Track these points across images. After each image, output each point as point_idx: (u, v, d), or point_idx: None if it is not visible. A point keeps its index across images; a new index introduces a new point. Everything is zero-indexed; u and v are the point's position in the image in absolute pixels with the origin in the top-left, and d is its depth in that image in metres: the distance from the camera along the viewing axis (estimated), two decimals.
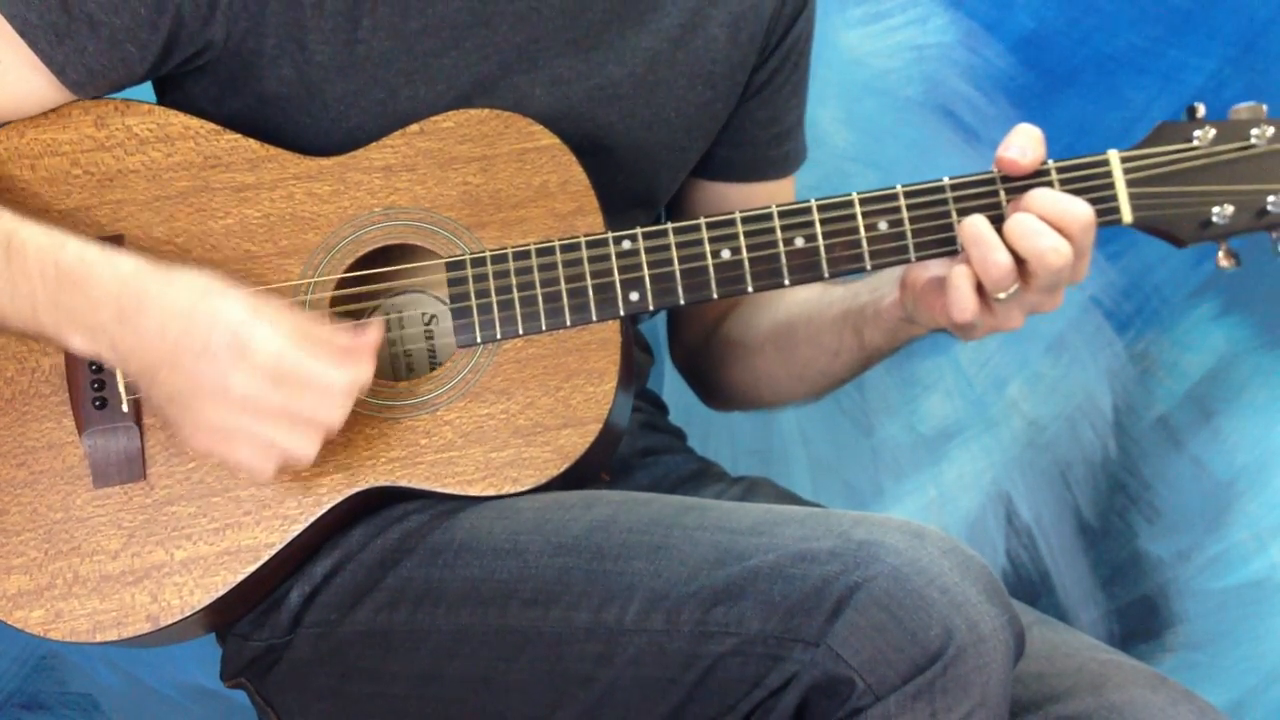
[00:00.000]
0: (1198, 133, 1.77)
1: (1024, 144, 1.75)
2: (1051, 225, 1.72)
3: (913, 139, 2.55)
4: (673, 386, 2.19)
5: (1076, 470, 2.60)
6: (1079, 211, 1.73)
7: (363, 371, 1.68)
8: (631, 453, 1.96)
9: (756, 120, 2.01)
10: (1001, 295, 1.73)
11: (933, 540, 1.59)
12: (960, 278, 1.73)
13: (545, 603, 1.66)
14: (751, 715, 1.60)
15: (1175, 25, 2.50)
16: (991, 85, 2.54)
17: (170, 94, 1.87)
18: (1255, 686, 2.54)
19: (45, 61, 1.76)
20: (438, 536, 1.74)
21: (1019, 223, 1.72)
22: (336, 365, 1.66)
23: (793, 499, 1.98)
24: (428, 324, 1.85)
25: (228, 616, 1.80)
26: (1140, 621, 2.59)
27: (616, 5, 1.87)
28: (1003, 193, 1.76)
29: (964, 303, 1.73)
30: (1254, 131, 1.77)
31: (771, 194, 2.02)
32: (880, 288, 1.86)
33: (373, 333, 1.70)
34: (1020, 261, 1.72)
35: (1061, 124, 2.28)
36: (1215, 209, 1.76)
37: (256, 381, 1.65)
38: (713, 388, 2.10)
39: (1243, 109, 1.78)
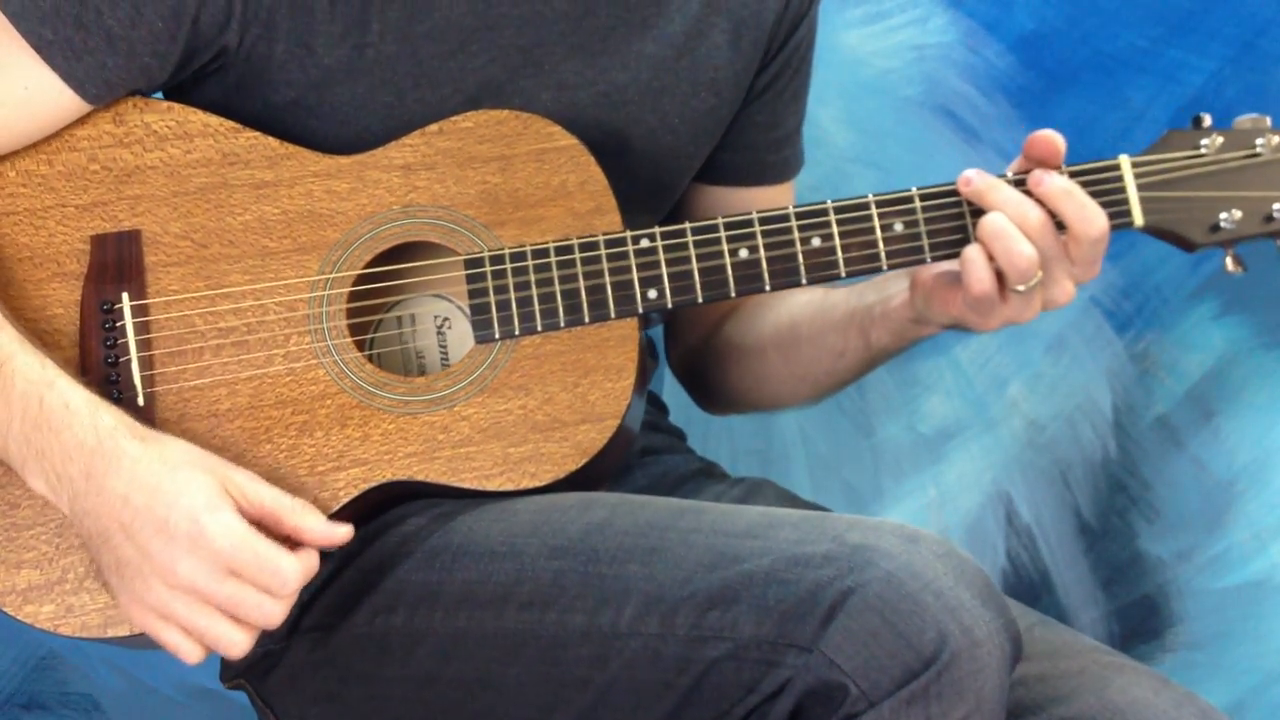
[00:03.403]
0: (1205, 140, 1.80)
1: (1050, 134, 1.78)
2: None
3: (913, 139, 2.56)
4: (673, 387, 2.20)
5: (1076, 470, 2.60)
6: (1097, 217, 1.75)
7: (312, 564, 1.68)
8: (631, 452, 1.96)
9: (756, 124, 2.01)
10: (1022, 287, 1.74)
11: (927, 544, 1.58)
12: (974, 252, 1.74)
13: (541, 605, 1.66)
14: None
15: (1175, 25, 2.50)
16: (991, 85, 2.54)
17: (180, 98, 1.87)
18: (1255, 686, 2.54)
19: (64, 78, 1.76)
20: (435, 540, 1.74)
21: (1052, 186, 1.74)
22: (291, 560, 1.66)
23: (793, 500, 1.98)
24: (440, 327, 1.85)
25: None
26: (1140, 621, 2.59)
27: (620, 12, 1.87)
28: None
29: (979, 274, 1.74)
30: (1259, 141, 1.80)
31: (770, 199, 2.03)
32: (887, 288, 1.87)
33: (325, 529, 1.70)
34: (1062, 228, 1.74)
35: (1061, 124, 2.27)
36: (1223, 214, 1.79)
37: (206, 571, 1.64)
38: (712, 391, 2.10)
39: (1246, 120, 1.81)
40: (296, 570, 1.65)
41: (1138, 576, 2.59)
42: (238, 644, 1.66)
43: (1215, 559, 2.56)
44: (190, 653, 1.68)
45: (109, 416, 1.68)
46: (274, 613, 1.66)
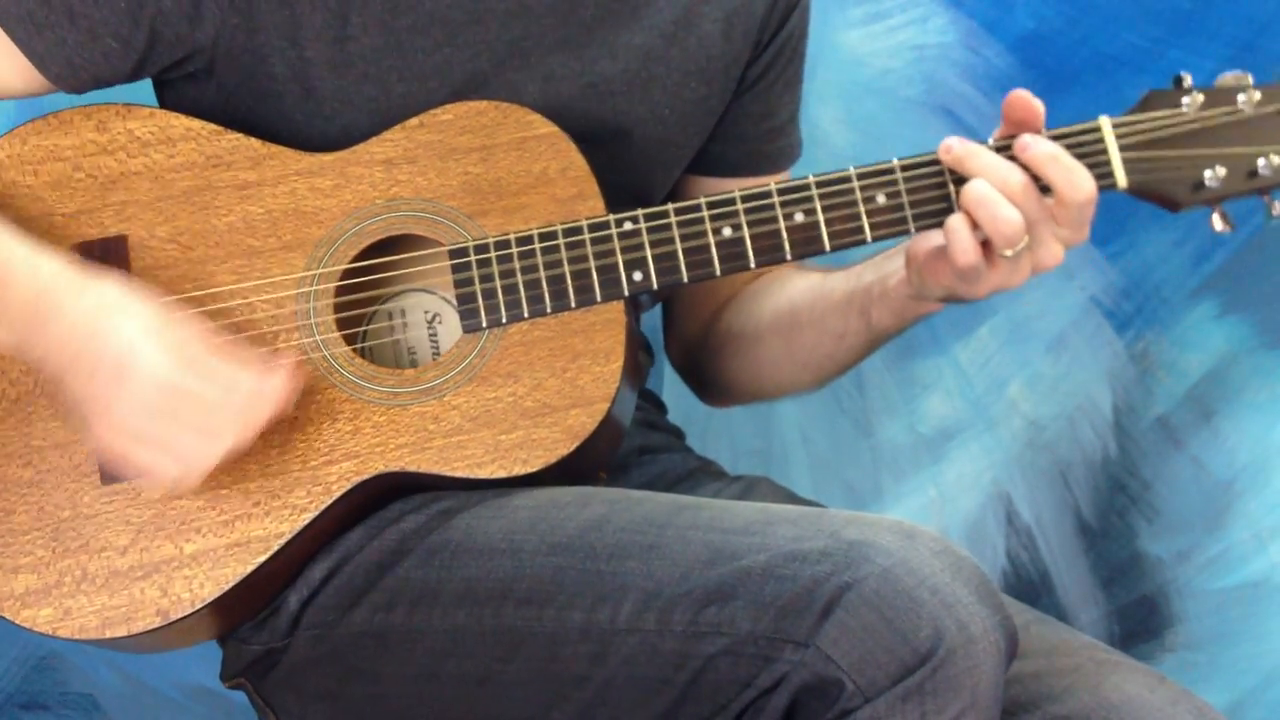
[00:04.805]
0: (1186, 99, 1.78)
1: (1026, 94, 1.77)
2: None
3: (913, 139, 2.55)
4: (672, 386, 2.20)
5: (1076, 470, 2.60)
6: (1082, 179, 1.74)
7: (272, 392, 1.69)
8: (629, 450, 1.96)
9: (749, 115, 2.01)
10: (1009, 252, 1.73)
11: (924, 541, 1.58)
12: (958, 222, 1.74)
13: (540, 602, 1.67)
14: (742, 715, 1.59)
15: (1175, 25, 2.50)
16: (991, 85, 2.54)
17: (169, 99, 1.89)
18: (1254, 687, 2.54)
19: (25, 52, 1.77)
20: (434, 537, 1.74)
21: (1038, 152, 1.73)
22: (221, 394, 1.67)
23: (791, 498, 1.98)
24: (430, 321, 1.85)
25: (234, 618, 1.80)
26: (1140, 621, 2.59)
27: (608, 2, 1.87)
28: None
29: (964, 244, 1.73)
30: (1240, 97, 1.78)
31: None
32: (885, 267, 1.86)
33: (283, 377, 1.70)
34: (1046, 190, 1.73)
35: (1061, 124, 2.28)
36: (1207, 171, 1.77)
37: (134, 410, 1.66)
38: (712, 382, 2.10)
39: (1228, 77, 1.80)
40: (232, 404, 1.67)
41: (1137, 576, 2.59)
42: (183, 481, 1.69)
43: (1215, 559, 2.56)
44: (151, 488, 1.71)
45: (48, 264, 1.70)
46: (207, 455, 1.68)
